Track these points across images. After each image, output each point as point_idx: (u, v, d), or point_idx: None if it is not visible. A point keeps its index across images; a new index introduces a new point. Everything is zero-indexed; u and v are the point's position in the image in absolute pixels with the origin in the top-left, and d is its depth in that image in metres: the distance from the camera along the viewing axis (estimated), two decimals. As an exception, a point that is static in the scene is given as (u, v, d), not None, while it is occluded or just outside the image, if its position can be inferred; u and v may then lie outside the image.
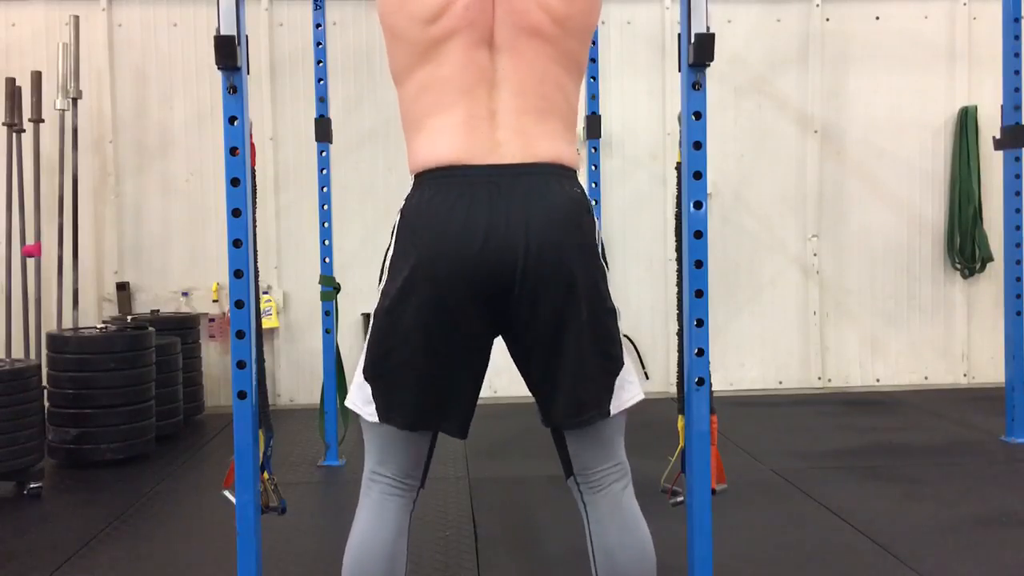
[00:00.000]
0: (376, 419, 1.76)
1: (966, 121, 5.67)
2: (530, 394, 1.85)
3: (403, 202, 1.75)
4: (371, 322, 1.77)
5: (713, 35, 2.08)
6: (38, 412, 3.88)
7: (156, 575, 2.92)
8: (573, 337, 1.72)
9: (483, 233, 1.64)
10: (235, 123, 2.18)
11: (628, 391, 1.83)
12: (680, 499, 2.28)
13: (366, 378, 1.77)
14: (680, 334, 2.35)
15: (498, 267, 1.65)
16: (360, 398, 1.79)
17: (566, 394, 1.75)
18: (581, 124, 4.82)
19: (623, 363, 1.82)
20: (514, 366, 1.86)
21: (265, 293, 5.27)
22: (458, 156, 1.68)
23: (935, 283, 5.83)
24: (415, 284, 1.67)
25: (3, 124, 5.06)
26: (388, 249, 1.76)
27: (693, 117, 2.26)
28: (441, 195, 1.67)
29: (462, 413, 1.78)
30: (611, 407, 1.79)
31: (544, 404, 1.80)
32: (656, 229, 5.64)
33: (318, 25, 4.11)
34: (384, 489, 1.82)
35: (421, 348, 1.70)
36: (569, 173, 1.75)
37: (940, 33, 5.73)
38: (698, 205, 2.25)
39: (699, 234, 2.25)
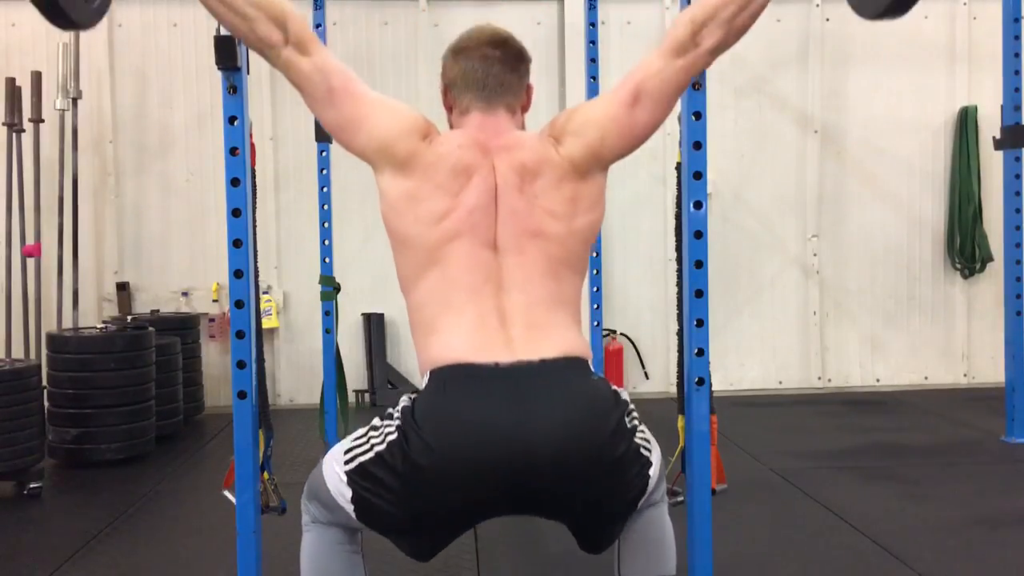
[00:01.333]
0: (353, 516, 1.71)
1: (966, 121, 5.67)
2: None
3: (412, 397, 1.69)
4: (357, 468, 1.68)
5: (713, 35, 2.08)
6: (38, 412, 3.88)
7: (156, 575, 2.92)
8: (597, 525, 1.72)
9: (500, 437, 1.58)
10: (235, 123, 2.18)
11: (651, 480, 1.77)
12: (680, 499, 2.28)
13: (349, 482, 1.69)
14: (680, 334, 2.36)
15: (515, 470, 1.59)
16: (337, 486, 1.71)
17: (605, 541, 1.78)
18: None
19: (649, 483, 1.76)
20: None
21: (265, 293, 5.27)
22: (470, 354, 1.65)
23: (935, 283, 5.83)
24: (422, 489, 1.61)
25: (3, 124, 5.06)
26: (387, 430, 1.67)
27: (693, 117, 2.26)
28: (454, 397, 1.62)
29: (438, 551, 1.76)
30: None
31: (581, 543, 1.80)
32: (656, 229, 5.64)
33: (318, 25, 4.11)
34: (338, 531, 1.81)
35: (415, 530, 1.68)
36: (583, 364, 1.71)
37: (940, 33, 5.73)
38: (698, 205, 2.25)
39: (699, 234, 2.25)
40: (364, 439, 1.70)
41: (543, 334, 1.68)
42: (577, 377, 1.68)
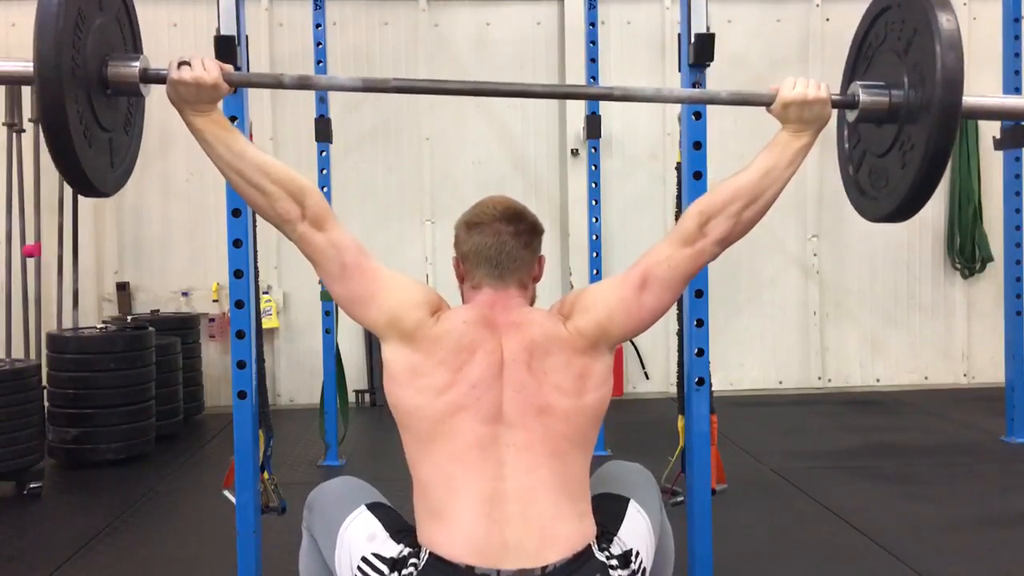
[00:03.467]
0: None
1: (966, 121, 5.67)
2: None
3: (418, 564, 1.65)
4: (365, 548, 1.71)
5: (713, 35, 2.09)
6: (38, 412, 3.88)
7: (156, 575, 2.92)
8: None
9: None
10: (235, 123, 2.18)
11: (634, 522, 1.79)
12: (680, 499, 2.28)
13: None
14: (680, 334, 2.36)
15: None
16: (342, 567, 1.74)
17: None
18: (580, 124, 4.82)
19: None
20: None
21: (265, 293, 5.27)
22: (470, 556, 1.62)
23: (935, 283, 5.83)
24: None
25: (3, 124, 5.06)
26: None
27: (693, 117, 2.26)
28: None
29: None
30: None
31: None
32: (656, 229, 5.63)
33: (318, 25, 4.11)
34: None
35: None
36: (587, 559, 1.67)
37: (940, 33, 5.72)
38: (698, 205, 2.25)
39: (699, 234, 2.25)
40: (384, 569, 1.70)
41: (547, 534, 1.65)
42: None
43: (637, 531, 1.75)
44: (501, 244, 1.81)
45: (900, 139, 1.84)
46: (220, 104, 1.81)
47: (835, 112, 1.90)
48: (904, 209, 1.87)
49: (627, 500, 1.78)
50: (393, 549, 1.69)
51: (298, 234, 1.77)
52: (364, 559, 1.70)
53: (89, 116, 1.66)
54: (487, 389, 1.69)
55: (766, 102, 1.88)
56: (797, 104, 1.85)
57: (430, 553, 1.64)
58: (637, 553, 1.72)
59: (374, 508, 1.79)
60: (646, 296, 1.76)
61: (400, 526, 1.75)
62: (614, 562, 1.69)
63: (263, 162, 1.75)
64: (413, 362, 1.73)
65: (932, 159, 1.75)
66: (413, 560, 1.66)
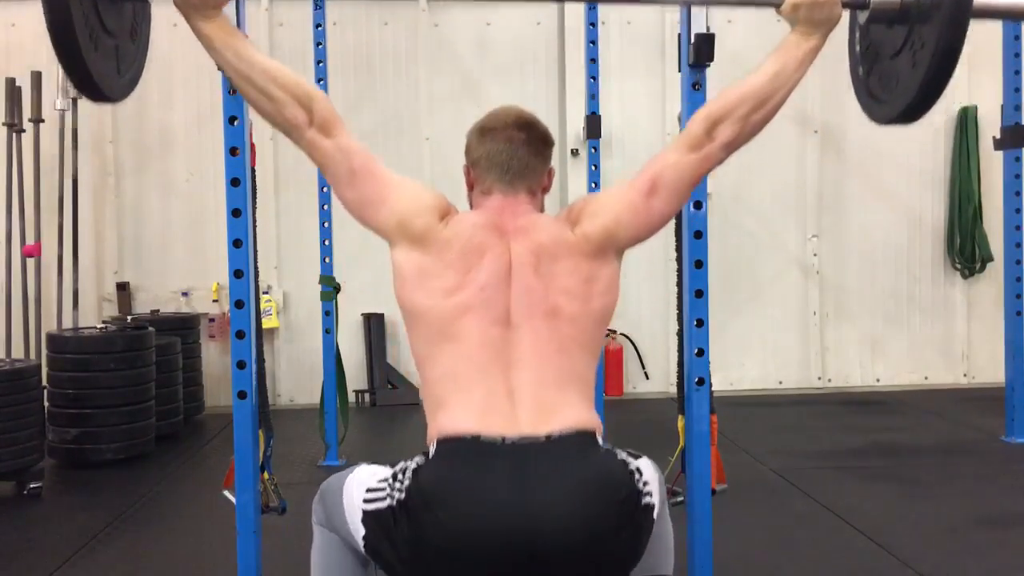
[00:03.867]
0: (362, 549, 1.74)
1: (966, 121, 5.67)
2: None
3: (420, 463, 1.67)
4: (372, 515, 1.69)
5: (713, 35, 2.09)
6: (38, 412, 3.88)
7: (156, 575, 2.92)
8: None
9: (509, 524, 1.57)
10: (235, 123, 2.18)
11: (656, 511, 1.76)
12: (680, 499, 2.28)
13: (363, 526, 1.72)
14: (680, 334, 2.36)
15: (524, 557, 1.58)
16: (354, 524, 1.73)
17: None
18: (580, 124, 4.82)
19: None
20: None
21: (265, 293, 5.27)
22: (477, 427, 1.64)
23: (935, 283, 5.83)
24: (428, 561, 1.61)
25: (3, 124, 5.06)
26: (397, 491, 1.67)
27: (693, 117, 2.26)
28: (458, 471, 1.62)
29: None
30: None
31: None
32: (656, 229, 5.63)
33: (318, 25, 4.11)
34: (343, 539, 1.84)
35: None
36: (591, 439, 1.70)
37: (940, 33, 5.72)
38: (698, 205, 2.26)
39: (699, 234, 2.26)
40: (385, 485, 1.70)
41: (551, 411, 1.67)
42: (584, 456, 1.66)
43: (647, 467, 1.74)
44: (513, 150, 1.84)
45: (911, 39, 1.84)
46: (225, 11, 1.88)
47: (846, 14, 1.90)
48: (913, 109, 1.85)
49: (641, 456, 1.78)
50: (393, 470, 1.71)
51: (307, 140, 1.78)
52: (368, 489, 1.71)
53: (94, 19, 1.68)
54: (495, 291, 1.72)
55: (776, 3, 1.89)
56: (807, 5, 1.87)
57: (437, 440, 1.67)
58: (644, 479, 1.70)
59: (373, 463, 1.81)
60: (654, 201, 1.79)
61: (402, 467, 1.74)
62: (624, 455, 1.71)
63: (270, 67, 1.77)
64: (422, 264, 1.75)
65: (943, 57, 1.74)
66: (418, 458, 1.68)
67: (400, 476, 1.67)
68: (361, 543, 1.72)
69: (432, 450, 1.68)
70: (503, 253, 1.75)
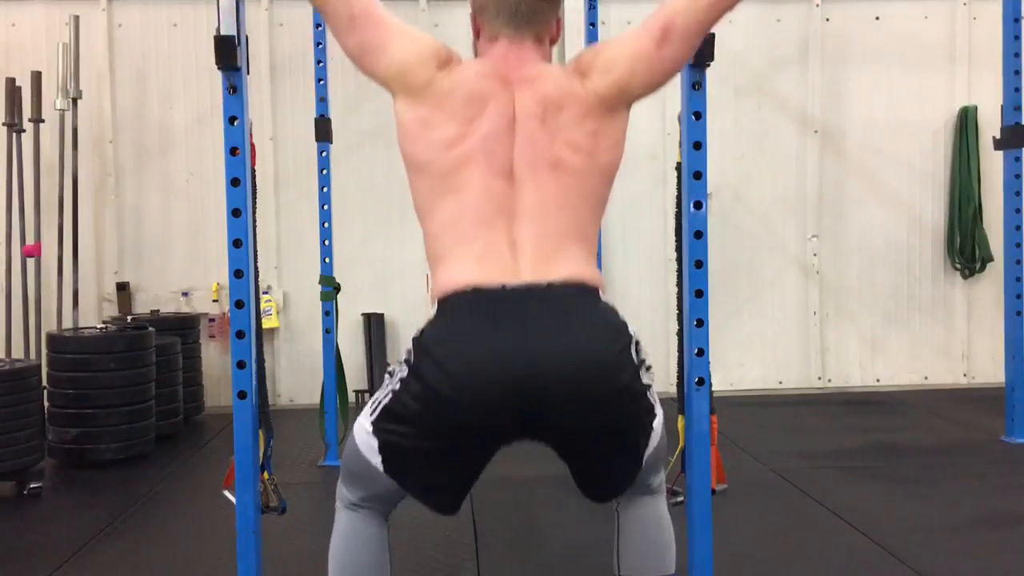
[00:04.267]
0: (382, 470, 1.74)
1: (966, 121, 5.67)
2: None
3: (422, 327, 1.69)
4: (386, 398, 1.71)
5: (713, 35, 2.09)
6: (38, 412, 3.88)
7: (156, 575, 2.92)
8: (602, 458, 1.73)
9: (508, 361, 1.59)
10: (235, 123, 2.18)
11: (654, 437, 1.79)
12: (680, 499, 2.28)
13: (375, 432, 1.73)
14: (680, 334, 2.36)
15: (526, 396, 1.60)
16: (367, 445, 1.75)
17: (606, 483, 1.79)
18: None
19: (650, 447, 1.78)
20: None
21: (265, 293, 5.27)
22: (480, 279, 1.65)
23: (935, 283, 5.83)
24: (437, 411, 1.63)
25: (3, 124, 5.06)
26: (401, 368, 1.70)
27: (693, 117, 2.26)
28: (463, 322, 1.63)
29: (462, 498, 1.80)
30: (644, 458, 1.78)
31: (582, 485, 1.81)
32: (656, 229, 5.63)
33: (318, 25, 4.11)
34: (366, 514, 1.84)
35: (438, 462, 1.70)
36: (593, 292, 1.71)
37: (940, 33, 5.73)
38: (698, 205, 2.25)
39: (699, 234, 2.25)
40: (384, 387, 1.73)
41: (553, 263, 1.68)
42: (585, 302, 1.67)
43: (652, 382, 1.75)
44: None
45: None
46: None
47: None
48: None
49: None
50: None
51: None
52: (371, 410, 1.73)
53: None
54: (498, 142, 1.70)
55: None
56: None
57: (438, 300, 1.68)
58: (647, 363, 1.72)
59: None
60: (667, 49, 1.77)
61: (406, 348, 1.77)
62: (624, 320, 1.70)
63: None
64: (423, 115, 1.73)
65: None
66: (415, 335, 1.69)
67: (398, 365, 1.69)
68: (379, 460, 1.72)
69: (434, 310, 1.69)
70: (507, 103, 1.72)
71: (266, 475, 2.42)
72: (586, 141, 1.73)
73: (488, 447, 1.72)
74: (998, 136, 4.31)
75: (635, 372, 1.68)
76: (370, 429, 1.73)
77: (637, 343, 1.71)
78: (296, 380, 5.54)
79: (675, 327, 2.41)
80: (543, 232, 1.69)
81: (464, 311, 1.64)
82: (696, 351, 2.27)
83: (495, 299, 1.63)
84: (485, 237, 1.68)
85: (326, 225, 4.15)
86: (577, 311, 1.65)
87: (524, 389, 1.59)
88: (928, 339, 5.83)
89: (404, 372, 1.67)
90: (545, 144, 1.71)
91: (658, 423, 1.76)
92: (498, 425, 1.65)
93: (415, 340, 1.67)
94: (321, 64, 4.09)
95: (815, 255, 5.75)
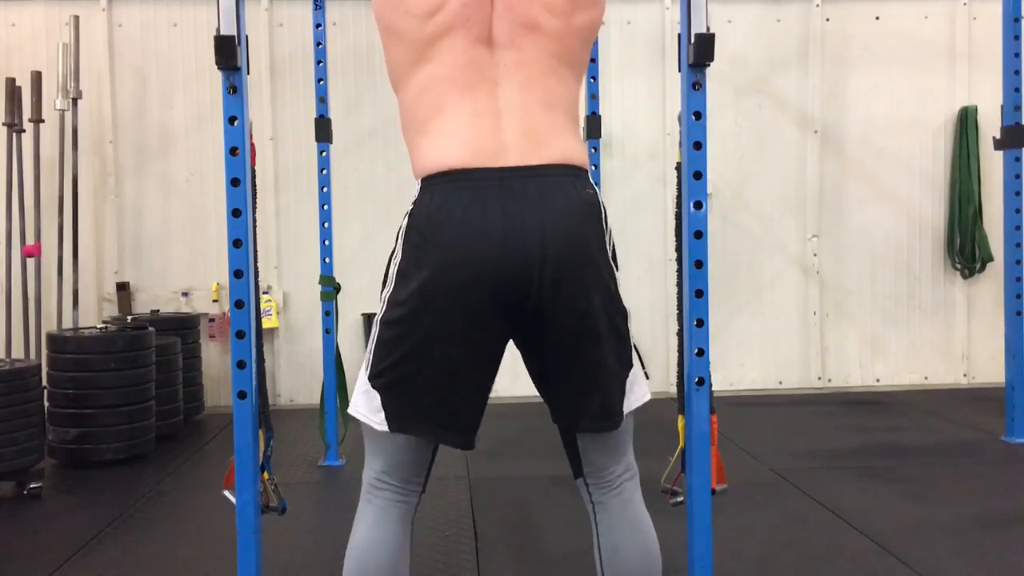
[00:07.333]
0: (386, 428, 1.72)
1: (966, 121, 5.67)
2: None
3: (409, 207, 1.70)
4: (376, 329, 1.73)
5: (713, 35, 2.08)
6: (38, 412, 3.88)
7: (156, 575, 2.92)
8: (591, 343, 1.72)
9: (499, 240, 1.60)
10: (235, 123, 2.18)
11: (637, 392, 1.84)
12: (680, 499, 2.28)
13: (374, 386, 1.73)
14: (680, 334, 2.35)
15: (515, 274, 1.62)
16: (367, 407, 1.74)
17: (587, 399, 1.76)
18: (581, 124, 4.82)
19: (632, 364, 1.82)
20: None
21: (265, 293, 5.27)
22: (466, 159, 1.64)
23: (935, 283, 5.83)
24: (429, 293, 1.63)
25: (3, 124, 5.06)
26: (394, 255, 1.72)
27: (693, 117, 2.26)
28: (452, 201, 1.63)
29: (472, 425, 1.75)
30: (623, 408, 1.80)
31: (561, 408, 1.78)
32: (656, 229, 5.64)
33: (318, 25, 4.11)
34: (389, 496, 1.80)
35: (435, 358, 1.67)
36: (581, 173, 1.72)
37: (940, 33, 5.73)
38: (698, 205, 2.25)
39: (699, 234, 2.25)
40: (381, 286, 1.76)
41: (540, 139, 1.68)
42: (573, 185, 1.68)
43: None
44: None
45: None
46: None
47: None
48: None
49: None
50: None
51: None
52: (365, 364, 1.74)
53: None
54: (478, 8, 1.68)
55: None
56: None
57: (423, 178, 1.68)
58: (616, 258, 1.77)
59: None
60: None
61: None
62: (604, 205, 1.74)
63: None
64: None
65: None
66: (407, 210, 1.70)
67: (392, 252, 1.71)
68: (383, 414, 1.70)
69: (417, 189, 1.68)
70: None
71: (266, 475, 2.42)
72: (562, 3, 1.72)
73: (487, 341, 1.70)
74: (998, 136, 4.32)
75: (609, 251, 1.74)
76: (367, 384, 1.73)
77: (612, 244, 1.76)
78: (296, 380, 5.54)
79: (675, 327, 2.41)
80: (527, 102, 1.69)
81: (452, 194, 1.64)
82: (696, 351, 2.27)
83: (483, 180, 1.63)
84: (468, 107, 1.67)
85: (326, 225, 4.15)
86: (567, 191, 1.67)
87: (518, 272, 1.61)
88: (928, 339, 5.83)
89: (398, 261, 1.70)
90: (522, 7, 1.70)
91: (631, 331, 1.83)
92: (490, 303, 1.64)
93: (400, 231, 1.69)
94: (321, 64, 4.09)
95: (815, 255, 5.75)
